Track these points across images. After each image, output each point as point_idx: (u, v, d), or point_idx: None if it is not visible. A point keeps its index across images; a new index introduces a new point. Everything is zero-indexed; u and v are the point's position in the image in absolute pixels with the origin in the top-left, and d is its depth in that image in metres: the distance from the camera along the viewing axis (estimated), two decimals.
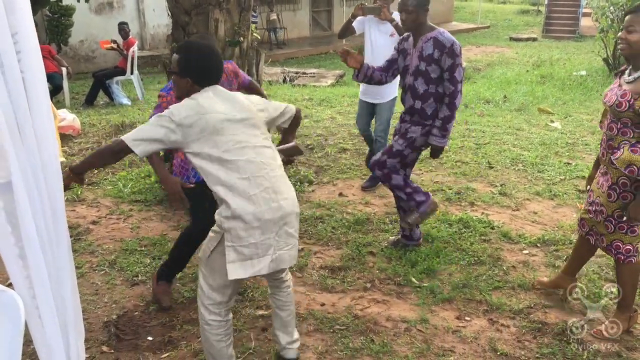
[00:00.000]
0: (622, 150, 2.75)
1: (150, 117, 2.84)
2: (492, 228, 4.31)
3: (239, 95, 2.52)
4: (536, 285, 3.48)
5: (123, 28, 8.97)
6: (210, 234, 2.47)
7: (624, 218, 2.84)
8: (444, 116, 3.50)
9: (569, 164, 5.71)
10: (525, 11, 22.12)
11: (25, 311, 1.66)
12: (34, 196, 1.58)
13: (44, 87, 1.62)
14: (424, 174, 5.48)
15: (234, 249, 2.28)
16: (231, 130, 2.34)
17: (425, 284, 3.50)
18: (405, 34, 3.79)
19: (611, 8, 9.75)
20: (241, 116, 2.39)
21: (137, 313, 3.26)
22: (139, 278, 3.61)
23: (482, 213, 4.58)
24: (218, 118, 2.32)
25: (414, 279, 3.57)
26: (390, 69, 3.80)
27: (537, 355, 2.89)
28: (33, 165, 1.56)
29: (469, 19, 20.70)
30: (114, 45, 8.90)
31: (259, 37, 4.76)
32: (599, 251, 3.26)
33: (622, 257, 2.93)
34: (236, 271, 2.29)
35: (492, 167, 5.65)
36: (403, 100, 3.75)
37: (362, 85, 5.03)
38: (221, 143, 2.30)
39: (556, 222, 4.40)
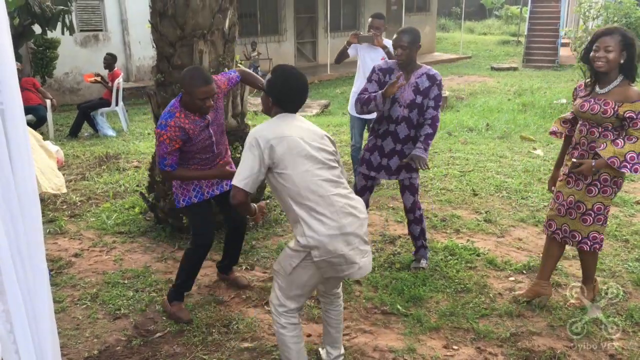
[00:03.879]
0: (605, 144, 3.12)
1: (158, 155, 3.10)
2: (478, 255, 4.31)
3: (315, 126, 2.71)
4: (518, 297, 3.59)
5: (107, 60, 9.00)
6: (289, 251, 2.60)
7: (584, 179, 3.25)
8: (428, 133, 3.80)
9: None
10: (506, 42, 22.56)
11: (2, 346, 1.62)
12: (10, 229, 1.55)
13: (22, 118, 1.61)
14: None
15: (324, 260, 2.50)
16: (309, 152, 2.53)
17: (411, 312, 3.48)
18: (386, 65, 3.90)
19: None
20: (317, 144, 2.59)
21: (119, 348, 3.19)
22: (122, 311, 3.54)
23: (468, 240, 4.59)
24: (297, 141, 2.52)
25: (400, 308, 3.55)
26: None
27: None
28: (8, 197, 1.54)
29: (451, 49, 21.09)
30: (98, 79, 8.90)
31: (244, 67, 4.79)
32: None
33: (598, 247, 3.33)
34: (328, 273, 2.57)
35: (477, 194, 5.68)
36: (395, 132, 3.85)
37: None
38: (301, 164, 2.50)
39: (541, 248, 4.37)
